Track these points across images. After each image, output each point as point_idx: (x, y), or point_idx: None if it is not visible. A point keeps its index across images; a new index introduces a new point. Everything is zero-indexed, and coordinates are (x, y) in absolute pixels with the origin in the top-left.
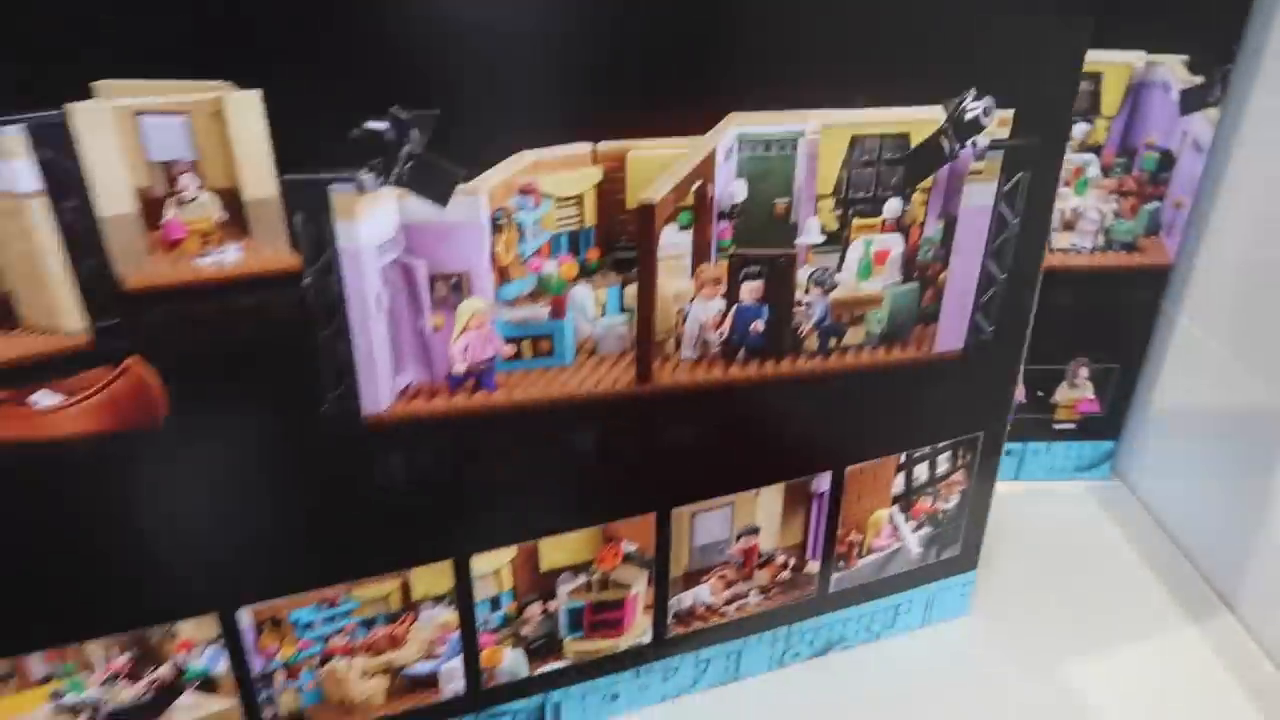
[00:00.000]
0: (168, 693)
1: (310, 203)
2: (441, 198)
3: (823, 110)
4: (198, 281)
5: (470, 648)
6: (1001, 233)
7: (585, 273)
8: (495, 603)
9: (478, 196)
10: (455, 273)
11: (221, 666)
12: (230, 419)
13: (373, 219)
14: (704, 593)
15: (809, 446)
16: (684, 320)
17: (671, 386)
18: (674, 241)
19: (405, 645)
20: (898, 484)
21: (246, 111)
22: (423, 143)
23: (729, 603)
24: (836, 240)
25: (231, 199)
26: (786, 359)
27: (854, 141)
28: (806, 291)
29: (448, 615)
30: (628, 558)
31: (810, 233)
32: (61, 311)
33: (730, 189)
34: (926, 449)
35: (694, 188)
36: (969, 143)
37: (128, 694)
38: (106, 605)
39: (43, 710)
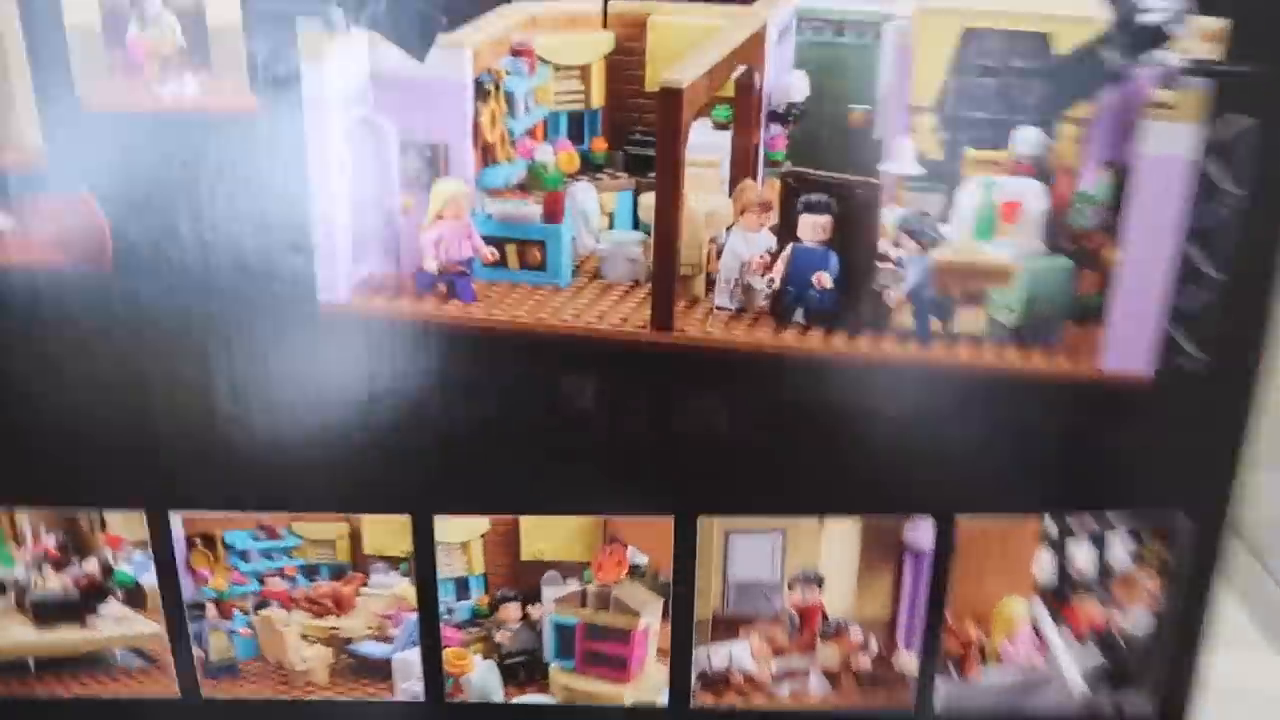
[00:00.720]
0: (94, 594)
1: (274, 35)
2: (419, 47)
3: None
4: (156, 109)
5: (430, 638)
6: (1211, 203)
7: (589, 167)
8: (462, 586)
9: (461, 51)
10: (430, 143)
11: (150, 578)
12: (177, 275)
13: (340, 64)
14: (742, 653)
15: (899, 473)
16: (718, 254)
17: (699, 342)
18: (706, 143)
19: (353, 612)
20: (1044, 566)
21: None
22: None
23: (780, 679)
24: (941, 176)
25: (196, 25)
26: (864, 334)
27: (967, 36)
28: (896, 243)
29: (403, 587)
30: (636, 572)
31: (901, 159)
32: (21, 127)
33: (785, 82)
34: (1090, 520)
35: (735, 75)
36: (1148, 58)
37: (55, 584)
38: (36, 472)
39: None
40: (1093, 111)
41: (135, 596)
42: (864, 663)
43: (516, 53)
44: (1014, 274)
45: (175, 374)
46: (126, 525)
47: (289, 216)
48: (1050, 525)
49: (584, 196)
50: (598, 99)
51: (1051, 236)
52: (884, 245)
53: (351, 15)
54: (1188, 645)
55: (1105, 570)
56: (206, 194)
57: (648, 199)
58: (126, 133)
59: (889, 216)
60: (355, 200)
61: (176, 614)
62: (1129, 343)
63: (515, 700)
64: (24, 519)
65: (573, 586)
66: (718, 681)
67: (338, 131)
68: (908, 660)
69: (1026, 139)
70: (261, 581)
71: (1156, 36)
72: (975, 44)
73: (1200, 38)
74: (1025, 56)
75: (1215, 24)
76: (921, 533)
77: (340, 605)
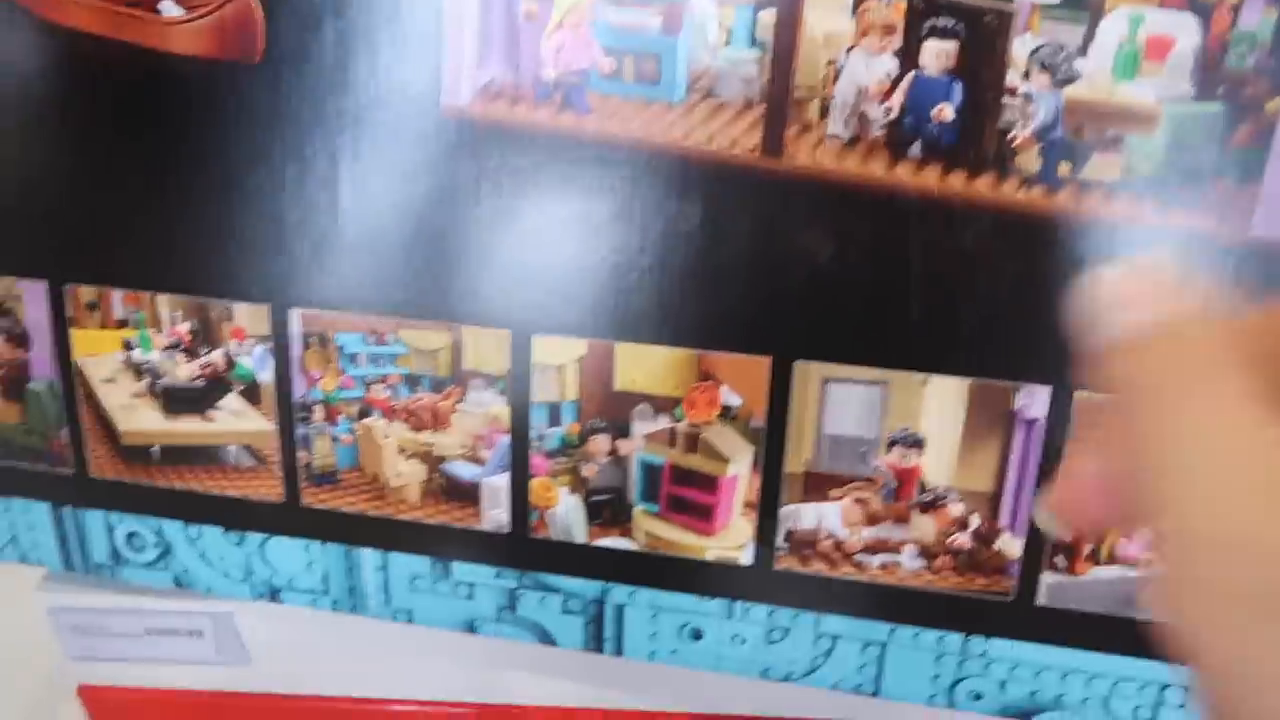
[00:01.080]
0: (217, 386)
1: None
2: None
3: None
4: None
5: (520, 464)
6: None
7: None
8: (554, 414)
9: None
10: None
11: (267, 374)
12: (317, 70)
13: None
14: (832, 515)
15: (1013, 332)
16: (835, 77)
17: (809, 170)
18: None
19: (448, 428)
20: None
21: None
22: None
23: (871, 551)
24: (1082, 4)
25: None
26: (985, 174)
27: None
28: (1027, 76)
29: (498, 407)
30: (727, 414)
31: None
32: None
33: None
34: None
35: None
36: None
37: (183, 371)
38: (176, 260)
39: (113, 358)
40: None
41: (252, 392)
42: (963, 541)
43: None
44: (1157, 119)
45: (305, 170)
46: (252, 318)
47: (421, 16)
48: None
49: (703, 11)
50: None
51: (1203, 80)
52: (1013, 78)
53: None
54: None
55: None
56: None
57: (767, 15)
58: None
59: (1021, 47)
60: (483, 3)
61: (287, 414)
62: None
63: (596, 543)
64: (164, 305)
65: (663, 423)
66: (804, 545)
67: None
68: (1011, 543)
69: None
70: (367, 388)
71: None
72: None
73: None
74: None
75: None
76: (1034, 401)
77: (437, 419)
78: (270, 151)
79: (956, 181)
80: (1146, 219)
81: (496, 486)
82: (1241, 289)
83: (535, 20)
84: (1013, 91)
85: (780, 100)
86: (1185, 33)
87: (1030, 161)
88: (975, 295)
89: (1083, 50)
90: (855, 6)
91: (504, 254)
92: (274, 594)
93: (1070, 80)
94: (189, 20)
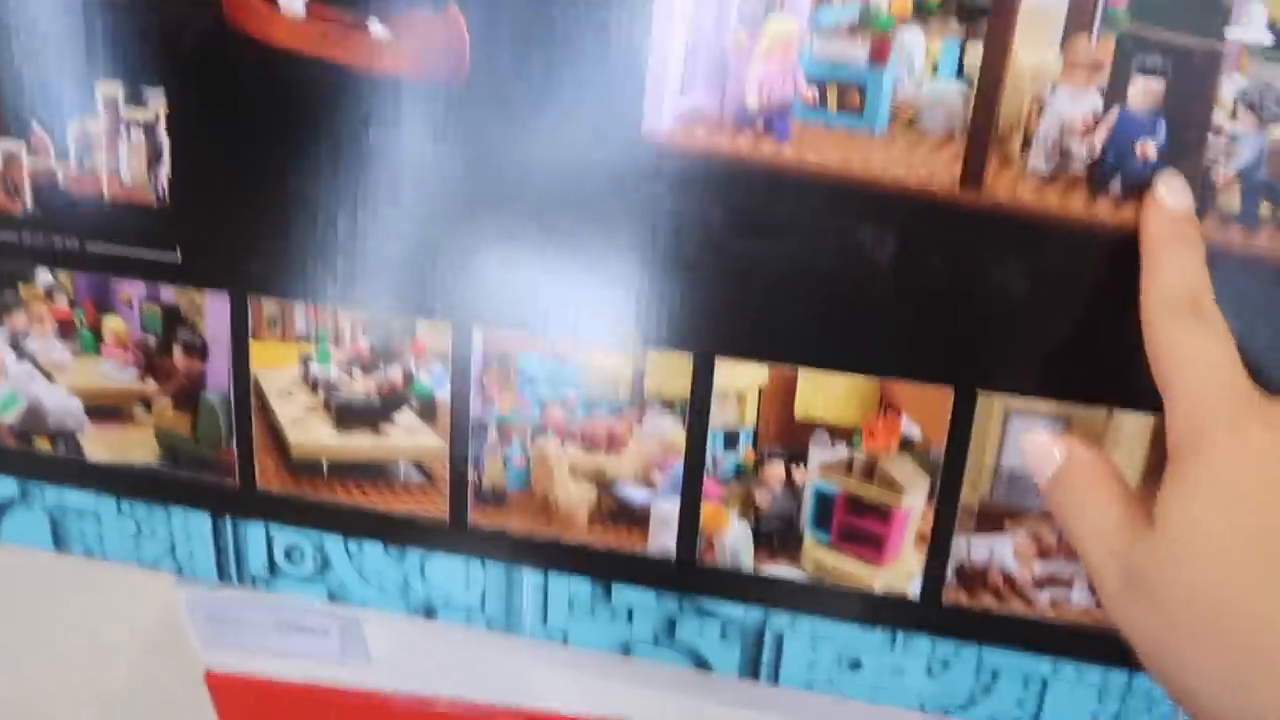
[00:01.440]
0: (392, 401)
1: None
2: None
3: None
4: None
5: (692, 489)
6: None
7: (921, 11)
8: (731, 440)
9: None
10: None
11: (445, 392)
12: (524, 92)
13: None
14: (1005, 550)
15: None
16: (1040, 111)
17: (1007, 205)
18: None
19: (623, 451)
20: None
21: None
22: None
23: (1041, 586)
24: None
25: None
26: None
27: None
28: (1233, 115)
29: (675, 432)
30: (906, 446)
31: (1251, 24)
32: None
33: None
34: None
35: None
36: None
37: (359, 388)
38: (360, 275)
39: (291, 371)
40: None
41: (427, 410)
42: None
43: None
44: None
45: (499, 195)
46: (433, 334)
47: (629, 41)
48: None
49: (912, 43)
50: None
51: None
52: (1219, 118)
53: None
54: None
55: None
56: (557, 13)
57: (974, 49)
58: None
59: (1229, 87)
60: (692, 30)
61: (461, 430)
62: None
63: (763, 570)
64: (345, 320)
65: (841, 452)
66: (974, 579)
67: None
68: None
69: None
70: (543, 409)
71: None
72: None
73: None
74: None
75: None
76: None
77: (613, 443)
78: (465, 172)
79: None
80: None
81: (668, 511)
82: None
83: (743, 49)
84: (1218, 131)
85: (983, 133)
86: None
87: (1232, 201)
88: None
89: None
90: (1064, 41)
91: (694, 276)
92: (429, 612)
93: (1277, 121)
94: (398, 40)
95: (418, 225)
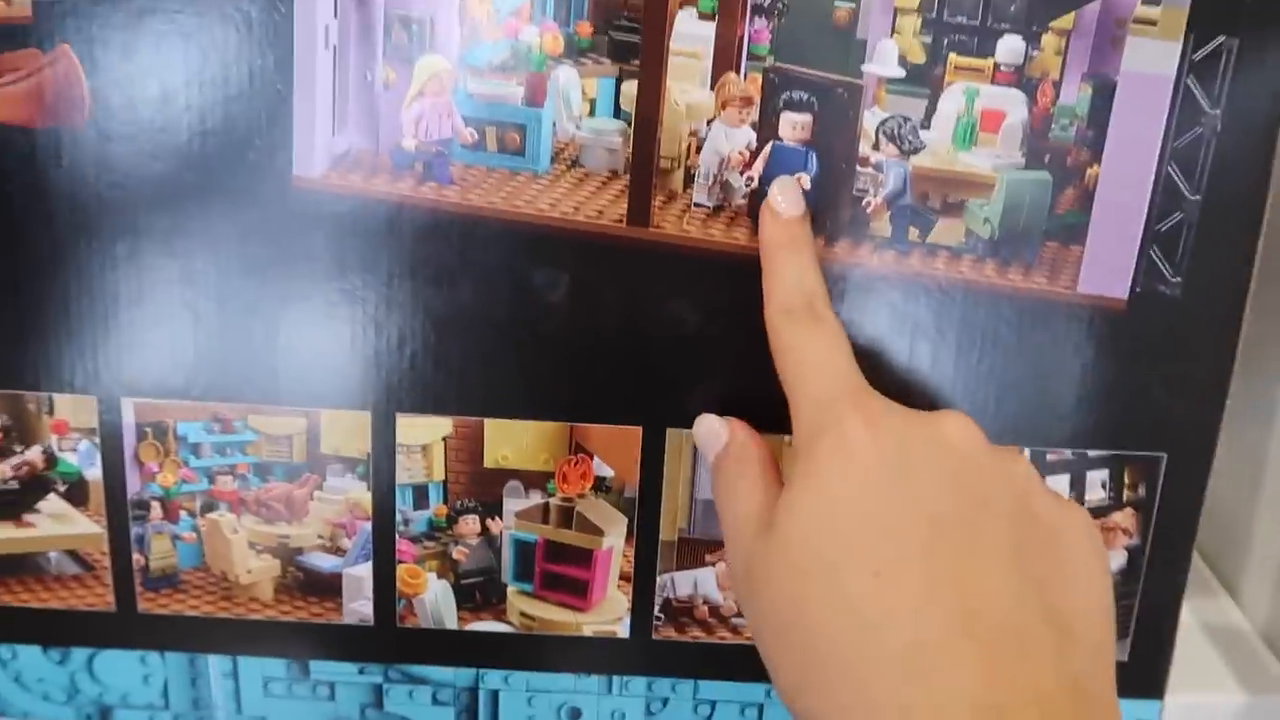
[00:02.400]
0: (35, 485)
1: None
2: None
3: None
4: None
5: (384, 551)
6: (1192, 127)
7: (573, 51)
8: (421, 495)
9: None
10: (417, 17)
11: (95, 470)
12: (152, 137)
13: None
14: (708, 581)
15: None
16: (698, 147)
17: (674, 239)
18: (691, 33)
19: (305, 519)
20: None
21: None
22: None
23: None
24: (923, 80)
25: None
26: (841, 240)
27: None
28: (876, 146)
29: (359, 492)
30: (601, 486)
31: (884, 60)
32: None
33: None
34: (1066, 454)
35: None
36: None
37: None
38: None
39: None
40: (1074, 21)
41: (77, 492)
42: None
43: None
44: (995, 185)
45: (138, 247)
46: (75, 410)
47: (269, 83)
48: (1023, 451)
49: (567, 83)
50: None
51: (1032, 149)
52: (864, 148)
53: None
54: (1164, 599)
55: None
56: (189, 53)
57: (630, 87)
58: None
59: (870, 119)
60: (338, 71)
61: (119, 512)
62: (1107, 267)
63: (469, 628)
64: None
65: (535, 499)
66: (681, 612)
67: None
68: None
69: (1009, 48)
70: (211, 480)
71: None
72: None
73: None
74: None
75: None
76: None
77: (292, 509)
78: (98, 226)
79: (816, 246)
80: (987, 281)
81: (359, 576)
82: (1070, 343)
83: (393, 88)
84: (864, 161)
85: (645, 170)
86: (1014, 106)
87: (883, 227)
88: None
89: (925, 122)
90: (714, 80)
91: (364, 329)
92: (105, 714)
93: (916, 150)
94: (4, 86)
95: (49, 288)
